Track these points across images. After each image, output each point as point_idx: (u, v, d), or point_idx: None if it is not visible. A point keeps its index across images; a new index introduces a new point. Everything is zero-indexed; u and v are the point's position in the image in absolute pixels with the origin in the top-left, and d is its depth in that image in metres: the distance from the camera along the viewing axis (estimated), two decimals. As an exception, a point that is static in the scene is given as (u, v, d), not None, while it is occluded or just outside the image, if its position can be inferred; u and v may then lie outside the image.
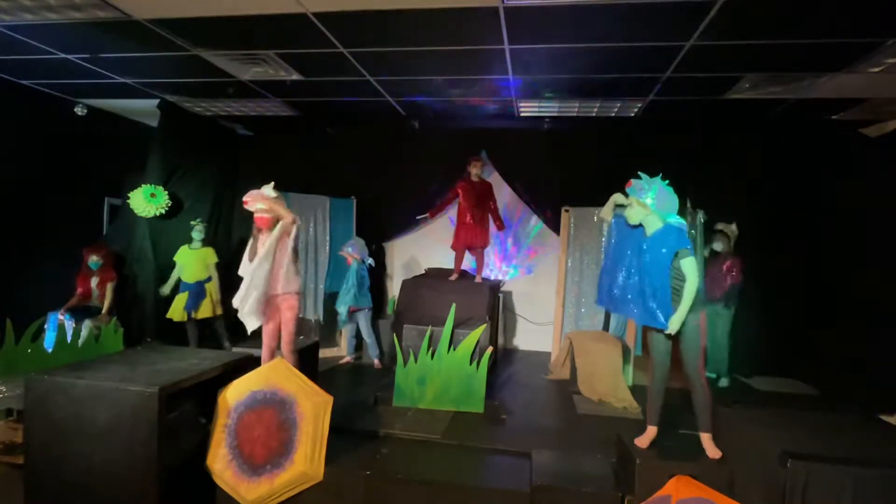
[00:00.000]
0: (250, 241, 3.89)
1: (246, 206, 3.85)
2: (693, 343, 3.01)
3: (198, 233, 5.84)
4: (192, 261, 5.76)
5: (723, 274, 5.34)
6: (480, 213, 5.92)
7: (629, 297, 3.08)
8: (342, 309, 5.75)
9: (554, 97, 5.37)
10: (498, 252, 7.32)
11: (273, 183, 3.97)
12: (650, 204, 3.01)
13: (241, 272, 3.84)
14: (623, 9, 3.37)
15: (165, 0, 3.52)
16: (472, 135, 6.68)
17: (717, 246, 5.43)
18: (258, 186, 3.93)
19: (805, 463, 2.49)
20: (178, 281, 5.78)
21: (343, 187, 6.79)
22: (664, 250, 2.97)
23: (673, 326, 2.93)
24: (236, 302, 3.74)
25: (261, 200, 3.80)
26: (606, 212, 3.32)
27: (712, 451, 3.03)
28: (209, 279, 5.82)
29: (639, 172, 3.14)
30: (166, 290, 5.76)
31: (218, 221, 6.81)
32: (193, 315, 5.72)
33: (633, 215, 3.07)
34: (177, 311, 5.70)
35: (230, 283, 6.38)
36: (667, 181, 3.08)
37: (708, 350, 5.21)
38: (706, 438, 3.07)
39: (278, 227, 3.81)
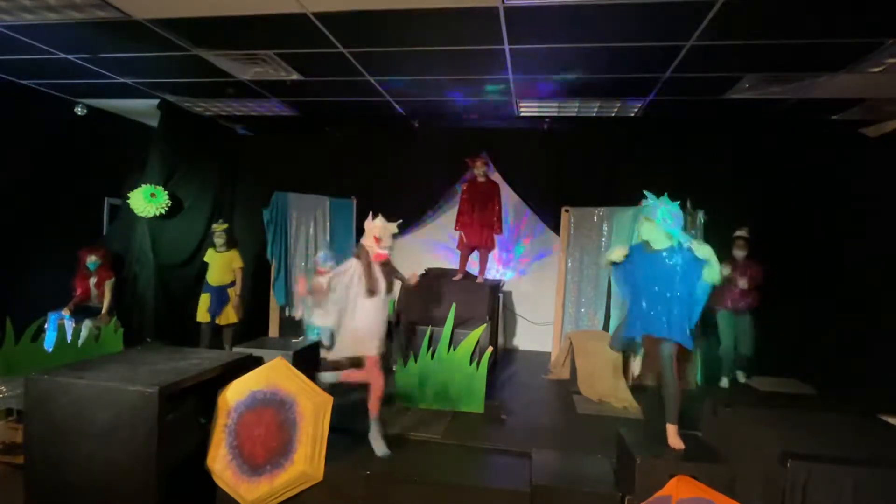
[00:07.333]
0: (357, 268, 3.49)
1: (378, 245, 3.50)
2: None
3: (219, 237, 5.71)
4: (218, 263, 5.72)
5: (747, 281, 5.13)
6: (484, 214, 5.83)
7: (656, 313, 3.14)
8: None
9: (554, 97, 5.37)
10: (497, 252, 7.31)
11: (401, 221, 3.80)
12: (659, 223, 3.10)
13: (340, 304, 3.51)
14: (623, 9, 3.37)
15: (165, 0, 3.52)
16: (472, 135, 6.67)
17: (738, 253, 5.21)
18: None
19: (805, 463, 2.49)
20: (204, 282, 5.78)
21: (343, 187, 6.79)
22: (672, 262, 3.10)
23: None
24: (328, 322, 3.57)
25: (391, 241, 3.58)
26: (618, 254, 3.29)
27: (676, 443, 3.04)
28: (232, 283, 5.79)
29: (645, 192, 3.23)
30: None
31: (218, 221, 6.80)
32: (217, 320, 5.72)
33: (644, 232, 3.18)
34: (202, 312, 5.71)
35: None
36: (676, 203, 3.15)
37: (727, 352, 5.23)
38: (672, 430, 3.09)
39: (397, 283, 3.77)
